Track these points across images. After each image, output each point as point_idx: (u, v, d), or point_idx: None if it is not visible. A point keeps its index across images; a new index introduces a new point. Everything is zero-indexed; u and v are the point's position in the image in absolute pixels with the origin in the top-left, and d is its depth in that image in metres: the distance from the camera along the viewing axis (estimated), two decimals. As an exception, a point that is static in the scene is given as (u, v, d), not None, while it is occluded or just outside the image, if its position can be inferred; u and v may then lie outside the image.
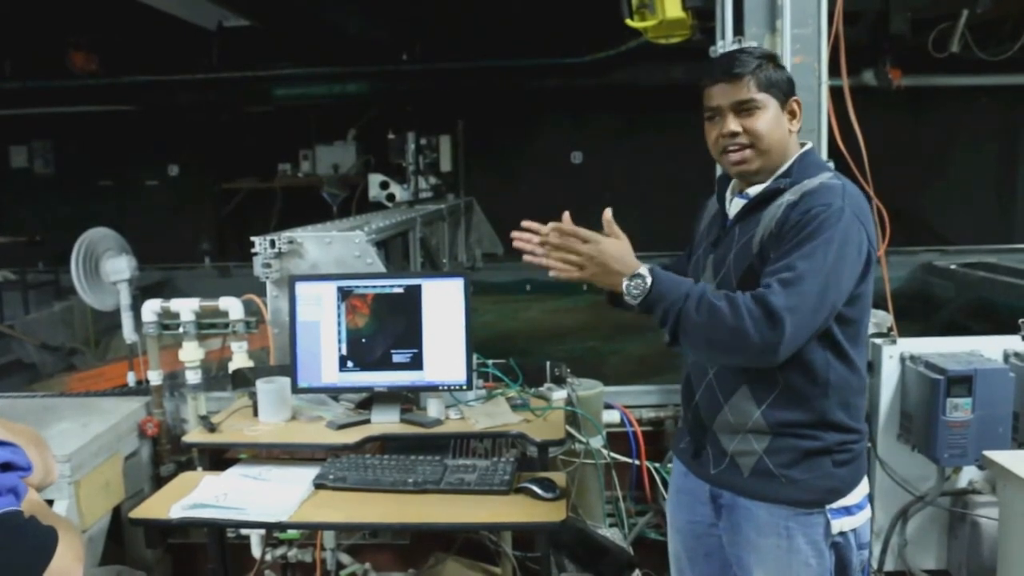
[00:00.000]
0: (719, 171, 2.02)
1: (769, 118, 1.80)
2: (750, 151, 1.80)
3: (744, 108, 1.79)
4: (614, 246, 1.75)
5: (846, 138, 2.81)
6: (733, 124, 1.80)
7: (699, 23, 3.19)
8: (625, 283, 1.72)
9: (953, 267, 6.88)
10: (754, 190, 1.85)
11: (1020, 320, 2.79)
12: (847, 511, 1.81)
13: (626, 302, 1.75)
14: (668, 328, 1.71)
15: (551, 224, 1.77)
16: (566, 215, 1.78)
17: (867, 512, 1.85)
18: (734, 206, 1.89)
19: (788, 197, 1.77)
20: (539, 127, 8.38)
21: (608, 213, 1.80)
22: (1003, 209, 8.30)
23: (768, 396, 1.79)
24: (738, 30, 2.85)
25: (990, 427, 2.54)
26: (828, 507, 1.79)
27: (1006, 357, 2.75)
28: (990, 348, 2.75)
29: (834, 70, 2.85)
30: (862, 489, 1.84)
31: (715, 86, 1.81)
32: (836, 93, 2.85)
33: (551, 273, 1.78)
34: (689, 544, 2.00)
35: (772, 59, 1.84)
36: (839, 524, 1.79)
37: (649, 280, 1.71)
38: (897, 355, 2.76)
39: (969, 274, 6.67)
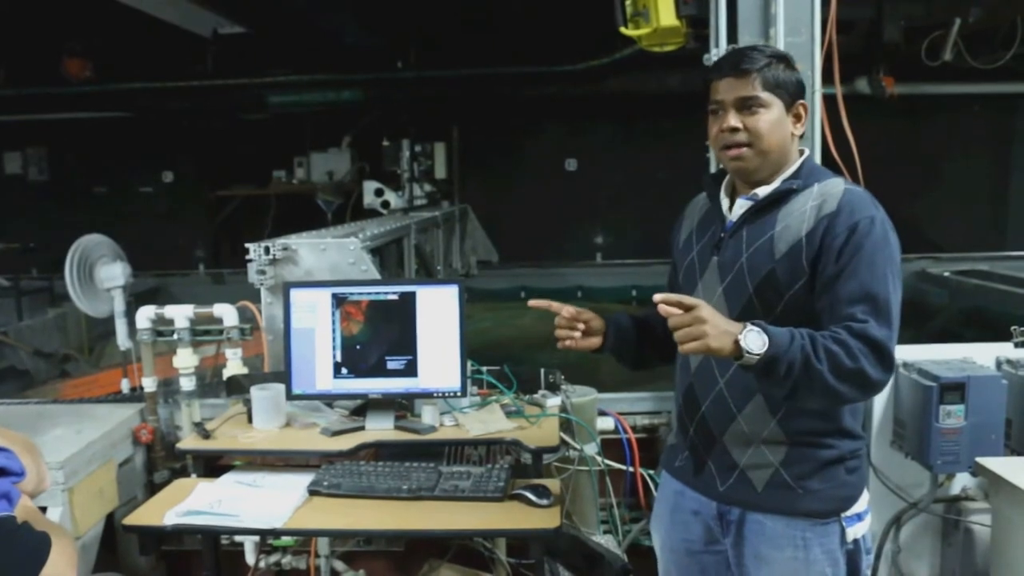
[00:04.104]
0: (713, 168, 2.00)
1: (772, 118, 1.76)
2: (748, 150, 1.76)
3: (747, 105, 1.75)
4: (706, 306, 1.59)
5: (839, 146, 2.83)
6: (734, 120, 1.76)
7: (693, 31, 3.20)
8: (743, 338, 1.56)
9: (946, 274, 6.88)
10: (763, 191, 1.80)
11: (1013, 327, 2.80)
12: (858, 517, 1.81)
13: (744, 363, 1.58)
14: (791, 381, 1.59)
15: (663, 307, 1.57)
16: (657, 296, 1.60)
17: (870, 517, 1.86)
18: (738, 207, 1.84)
19: (812, 201, 1.74)
20: (534, 134, 8.38)
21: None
22: (996, 217, 8.32)
23: (784, 405, 1.75)
24: (732, 38, 2.86)
25: (983, 434, 2.54)
26: (843, 515, 1.79)
27: (999, 364, 2.76)
28: (983, 355, 2.76)
29: (827, 78, 2.87)
30: (866, 495, 1.85)
31: (721, 80, 1.77)
32: (830, 101, 2.87)
33: (685, 346, 1.57)
34: (683, 563, 1.96)
35: (784, 59, 1.80)
36: (853, 531, 1.80)
37: (762, 330, 1.57)
38: (891, 362, 2.77)
39: (962, 281, 6.67)
